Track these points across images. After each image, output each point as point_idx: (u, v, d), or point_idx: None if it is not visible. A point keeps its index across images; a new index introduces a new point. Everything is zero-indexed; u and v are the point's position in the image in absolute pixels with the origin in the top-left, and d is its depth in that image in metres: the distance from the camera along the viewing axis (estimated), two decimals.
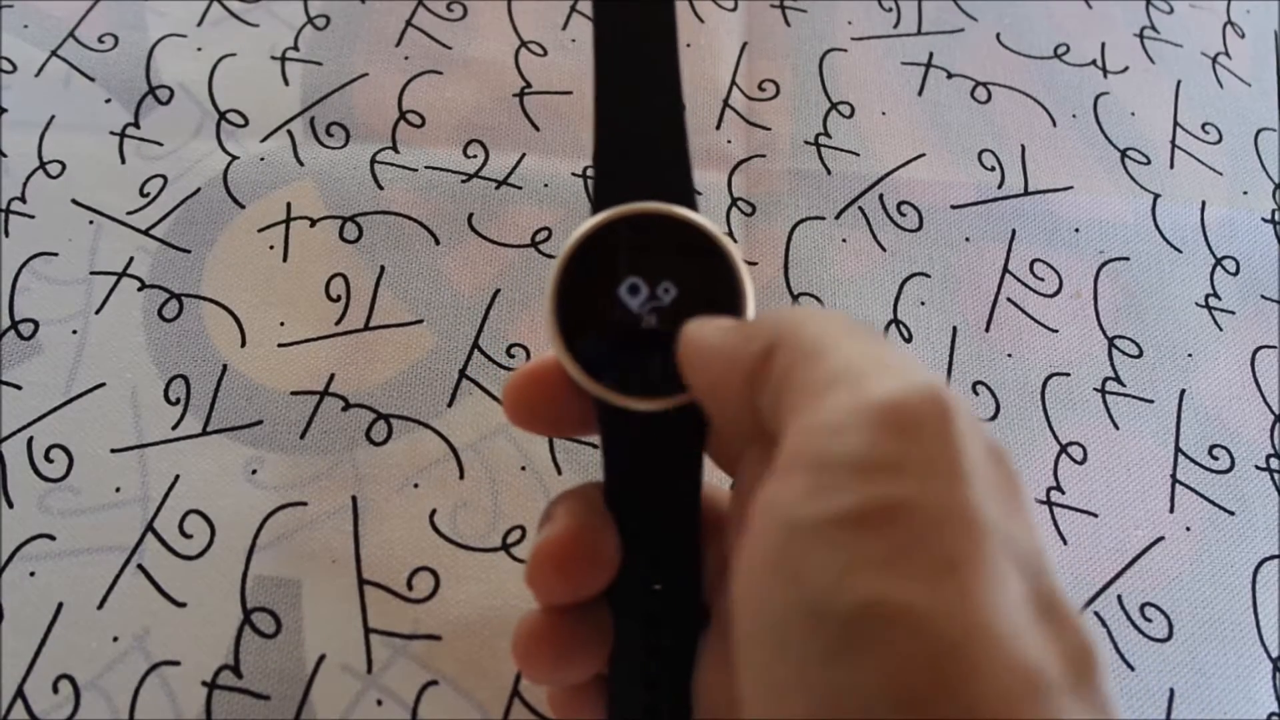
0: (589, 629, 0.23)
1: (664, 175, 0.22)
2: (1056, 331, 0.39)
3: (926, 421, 0.16)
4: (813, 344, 0.18)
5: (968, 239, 0.41)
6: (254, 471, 0.34)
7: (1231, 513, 0.36)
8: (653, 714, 0.22)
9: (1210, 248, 0.41)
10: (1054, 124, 0.44)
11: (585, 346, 0.21)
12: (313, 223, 0.39)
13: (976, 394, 0.37)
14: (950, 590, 0.14)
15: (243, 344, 0.37)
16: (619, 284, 0.21)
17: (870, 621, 0.14)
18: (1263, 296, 0.41)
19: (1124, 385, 0.38)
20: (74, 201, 0.39)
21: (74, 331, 0.37)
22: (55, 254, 0.38)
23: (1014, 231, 0.41)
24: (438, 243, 0.39)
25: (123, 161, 0.40)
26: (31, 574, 0.32)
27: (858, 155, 0.43)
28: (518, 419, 0.23)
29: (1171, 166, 0.43)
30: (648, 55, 0.23)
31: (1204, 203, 0.43)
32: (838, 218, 0.41)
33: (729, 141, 0.42)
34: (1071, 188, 0.42)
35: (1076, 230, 0.41)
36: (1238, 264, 0.41)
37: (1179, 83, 0.46)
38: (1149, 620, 0.34)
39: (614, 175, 0.22)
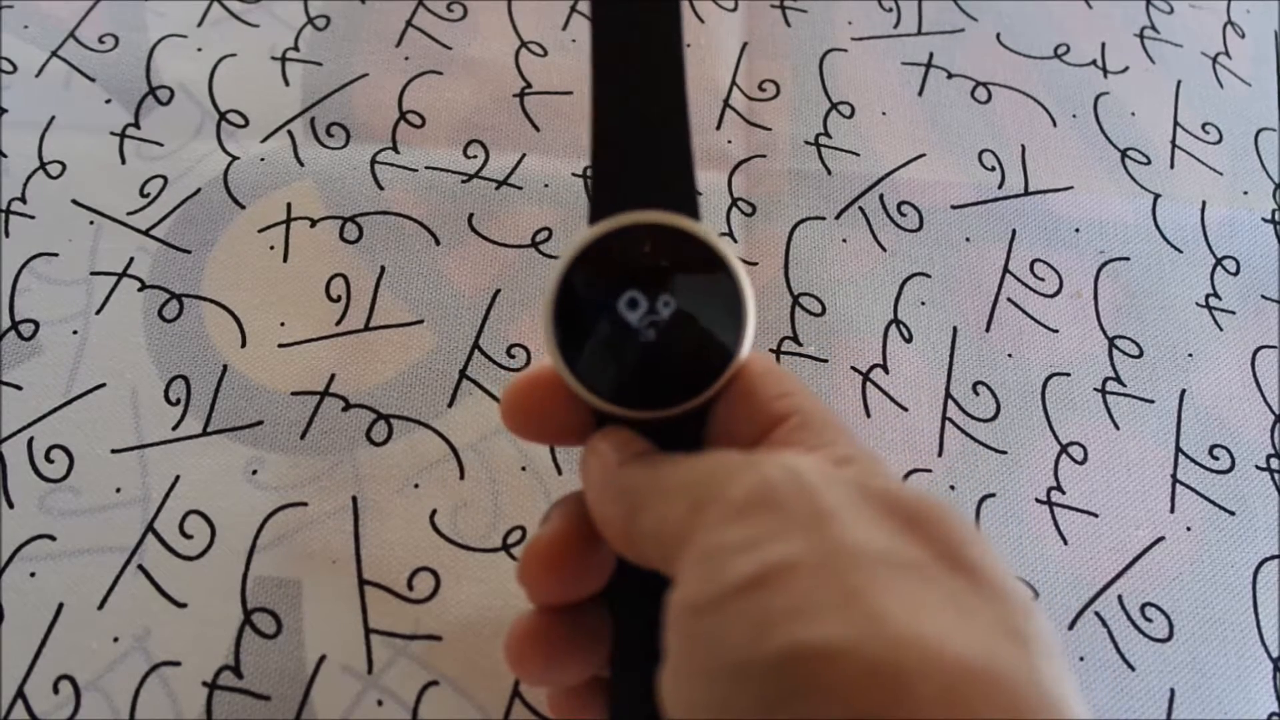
0: (583, 630, 0.23)
1: (665, 182, 0.21)
2: (1057, 331, 0.39)
3: (786, 492, 0.17)
4: (674, 523, 0.19)
5: (968, 239, 0.41)
6: (254, 472, 0.34)
7: (1232, 513, 0.36)
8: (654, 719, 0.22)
9: (1210, 248, 0.41)
10: (1054, 124, 0.44)
11: (584, 359, 0.21)
12: (313, 223, 0.39)
13: (977, 394, 0.37)
14: (863, 617, 0.15)
15: (243, 344, 0.37)
16: (618, 298, 0.21)
17: (797, 666, 0.15)
18: (1263, 296, 0.41)
19: (1124, 385, 0.38)
20: (74, 202, 0.39)
21: (74, 332, 0.37)
22: (55, 254, 0.38)
23: (1014, 231, 0.41)
24: (438, 243, 0.39)
25: (123, 162, 0.40)
26: (32, 574, 0.32)
27: (858, 155, 0.43)
28: (516, 427, 0.23)
29: (1172, 166, 0.43)
30: (651, 53, 0.22)
31: (1204, 203, 0.43)
32: (838, 218, 0.41)
33: (729, 142, 0.42)
34: (1072, 188, 0.42)
35: (1077, 230, 0.41)
36: (1238, 264, 0.41)
37: (1179, 83, 0.46)
38: (1149, 620, 0.34)
39: (612, 182, 0.21)
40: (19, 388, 0.36)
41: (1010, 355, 0.38)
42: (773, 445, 0.21)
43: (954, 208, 0.41)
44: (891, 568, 0.16)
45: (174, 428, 0.35)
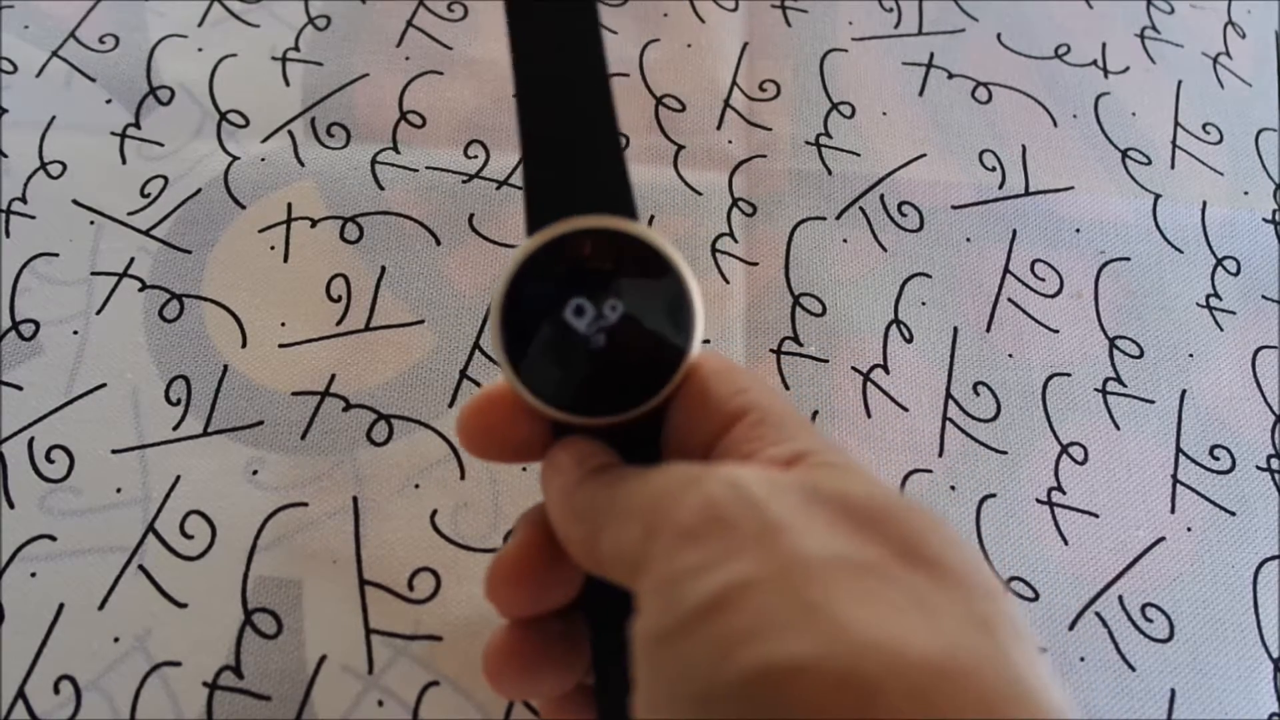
0: (559, 642, 0.23)
1: (600, 184, 0.21)
2: (1057, 332, 0.39)
3: (732, 509, 0.17)
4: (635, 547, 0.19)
5: (969, 239, 0.41)
6: (255, 472, 0.34)
7: (1232, 513, 0.36)
8: None
9: (1211, 248, 0.41)
10: (1055, 124, 0.44)
11: (535, 370, 0.21)
12: (314, 223, 0.39)
13: (978, 394, 0.37)
14: (824, 629, 0.15)
15: (244, 344, 0.37)
16: (564, 306, 0.20)
17: (764, 686, 0.15)
18: (1263, 297, 0.41)
19: (1125, 385, 0.38)
20: (75, 202, 0.39)
21: (75, 332, 0.37)
22: (56, 254, 0.38)
23: (1015, 232, 0.41)
24: (439, 243, 0.39)
25: (124, 162, 0.40)
26: (33, 575, 0.32)
27: (858, 155, 0.42)
28: (474, 448, 0.22)
29: (1172, 167, 0.43)
30: (571, 56, 0.21)
31: (1205, 203, 0.43)
32: (839, 218, 0.41)
33: (730, 142, 0.42)
34: (1072, 188, 0.42)
35: (1077, 230, 0.41)
36: (1238, 264, 0.41)
37: (1180, 83, 0.46)
38: (1150, 621, 0.34)
39: (546, 190, 0.21)
40: (19, 388, 0.36)
41: (1011, 355, 0.38)
42: (731, 443, 0.20)
43: (955, 208, 0.41)
44: (848, 573, 0.16)
45: (174, 428, 0.35)
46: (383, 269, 0.38)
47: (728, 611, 0.16)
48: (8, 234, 0.39)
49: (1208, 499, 0.36)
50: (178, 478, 0.34)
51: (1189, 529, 0.35)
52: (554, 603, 0.22)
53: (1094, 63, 0.46)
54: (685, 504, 0.18)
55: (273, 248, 0.39)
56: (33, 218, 0.39)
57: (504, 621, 0.23)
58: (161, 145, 0.41)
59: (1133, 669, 0.33)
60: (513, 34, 0.21)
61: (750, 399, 0.21)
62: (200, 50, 0.44)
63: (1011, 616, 0.16)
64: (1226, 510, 0.36)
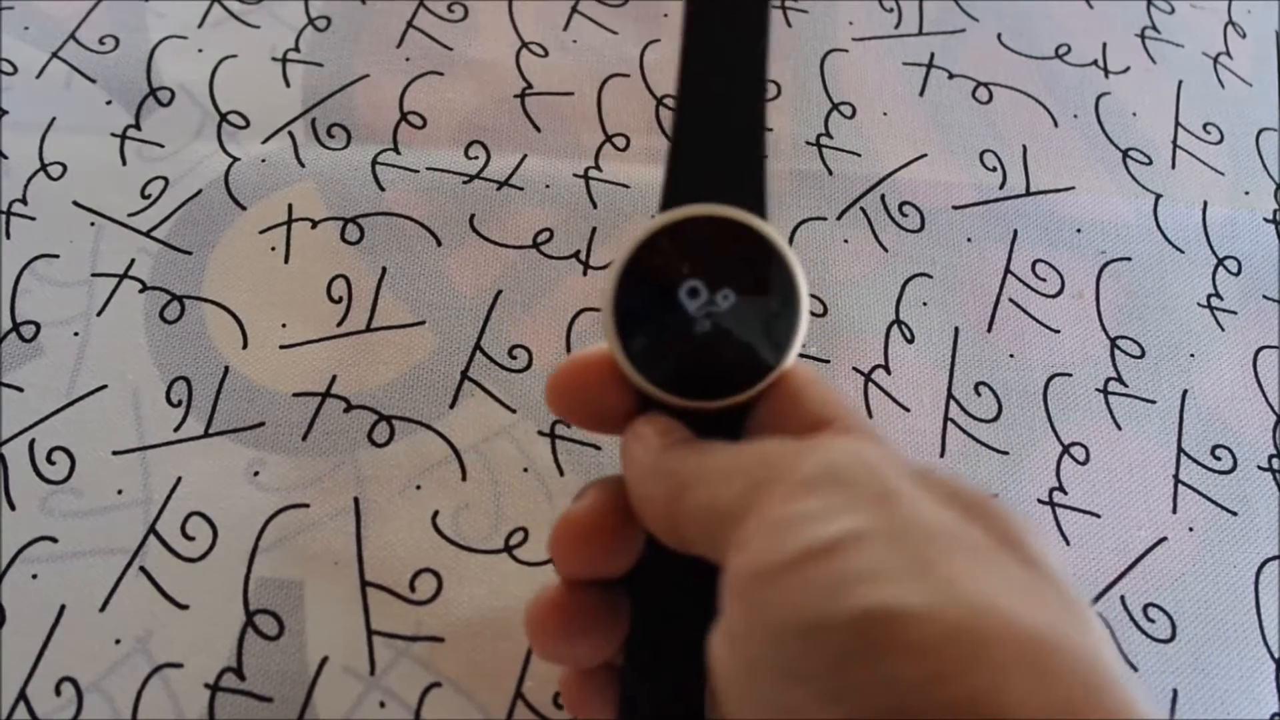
0: (605, 611, 0.23)
1: (739, 180, 0.22)
2: (1058, 332, 0.39)
3: (853, 471, 0.18)
4: (732, 496, 0.19)
5: (969, 239, 0.41)
6: (256, 473, 0.34)
7: (1234, 513, 0.36)
8: (662, 710, 0.22)
9: (1212, 248, 0.41)
10: (1055, 124, 0.44)
11: (638, 343, 0.21)
12: (314, 224, 0.39)
13: (979, 394, 0.37)
14: (938, 585, 0.15)
15: (244, 346, 0.37)
16: (680, 285, 0.21)
17: (874, 626, 0.15)
18: (1265, 296, 0.40)
19: (1126, 385, 0.38)
20: (75, 203, 0.39)
21: (75, 334, 0.37)
22: (56, 256, 0.38)
23: (1016, 232, 0.41)
24: (439, 244, 0.39)
25: (124, 163, 0.40)
26: (34, 576, 0.32)
27: (859, 156, 0.42)
28: (560, 407, 0.23)
29: (1173, 167, 0.43)
30: (736, 60, 0.23)
31: (1206, 203, 0.43)
32: (839, 218, 0.41)
33: None
34: (1073, 188, 0.42)
35: (1078, 231, 0.41)
36: (1239, 264, 0.41)
37: (1180, 83, 0.46)
38: (1152, 621, 0.34)
39: (688, 173, 0.22)
40: (20, 389, 0.36)
41: (1012, 356, 0.38)
42: None
43: (955, 208, 0.41)
44: (959, 545, 0.17)
45: (175, 429, 0.35)
46: (383, 270, 0.38)
47: (842, 555, 0.16)
48: (8, 235, 0.39)
49: (1209, 499, 0.36)
50: (179, 479, 0.34)
51: (1191, 529, 0.35)
52: (611, 569, 0.23)
53: (1094, 63, 0.46)
54: (805, 461, 0.18)
55: (273, 249, 0.39)
56: (33, 219, 0.39)
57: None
58: (162, 146, 0.41)
59: (1135, 669, 0.33)
60: (687, 34, 0.23)
61: (841, 410, 0.21)
62: (200, 51, 0.44)
63: (1099, 621, 0.17)
64: (1228, 510, 0.36)
